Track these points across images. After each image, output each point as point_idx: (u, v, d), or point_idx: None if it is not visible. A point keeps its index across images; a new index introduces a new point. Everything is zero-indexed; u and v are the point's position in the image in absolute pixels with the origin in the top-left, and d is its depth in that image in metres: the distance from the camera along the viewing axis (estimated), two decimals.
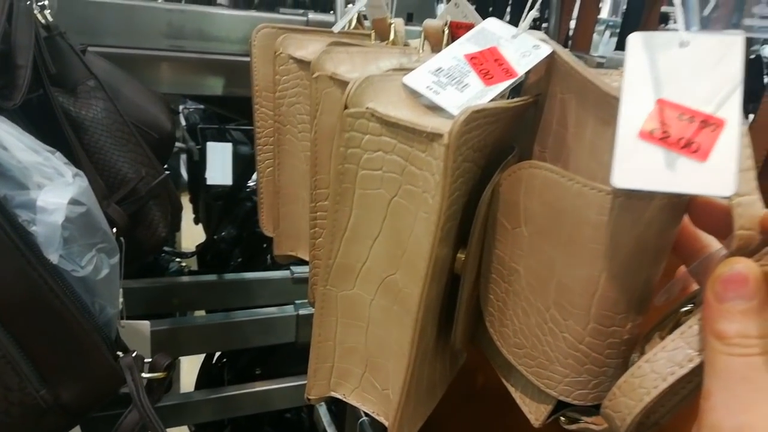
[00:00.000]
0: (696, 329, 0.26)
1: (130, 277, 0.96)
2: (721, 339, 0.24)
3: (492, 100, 0.34)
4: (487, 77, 0.34)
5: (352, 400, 0.42)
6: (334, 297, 0.39)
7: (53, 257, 0.41)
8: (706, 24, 0.26)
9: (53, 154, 0.43)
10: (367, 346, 0.40)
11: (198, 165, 1.37)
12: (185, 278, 1.04)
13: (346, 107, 0.33)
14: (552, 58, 0.36)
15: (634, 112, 0.26)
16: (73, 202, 0.42)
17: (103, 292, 0.45)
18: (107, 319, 0.46)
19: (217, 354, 1.15)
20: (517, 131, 0.39)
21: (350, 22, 0.63)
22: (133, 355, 0.46)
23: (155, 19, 0.67)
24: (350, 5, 0.60)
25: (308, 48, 0.52)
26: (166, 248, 1.07)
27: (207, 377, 1.13)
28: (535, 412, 0.36)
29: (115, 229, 0.53)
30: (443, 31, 0.48)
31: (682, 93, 0.26)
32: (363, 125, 0.33)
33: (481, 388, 0.59)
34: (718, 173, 0.25)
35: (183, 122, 1.74)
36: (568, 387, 0.33)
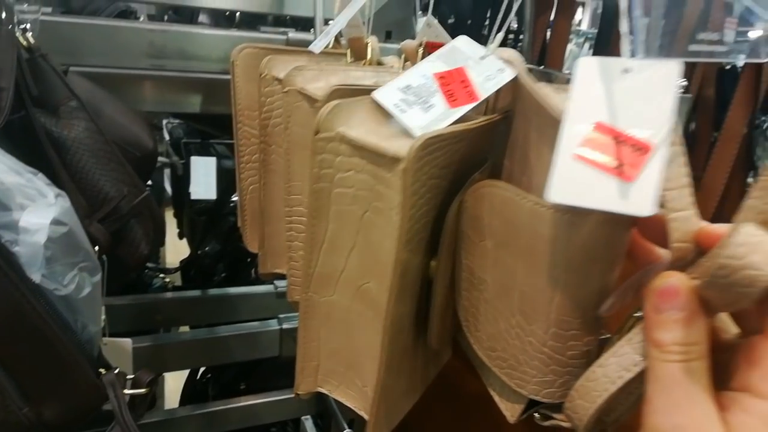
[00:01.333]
0: (641, 336, 0.28)
1: (113, 293, 0.96)
2: (658, 347, 0.26)
3: (456, 121, 0.36)
4: (452, 99, 0.36)
5: (336, 396, 0.45)
6: (316, 302, 0.42)
7: (36, 277, 0.42)
8: (655, 51, 0.27)
9: (35, 175, 0.44)
10: (348, 347, 0.42)
11: (182, 180, 1.38)
12: (168, 294, 1.04)
13: (317, 132, 0.35)
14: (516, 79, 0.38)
15: (574, 134, 0.29)
16: (56, 222, 0.42)
17: (86, 310, 0.45)
18: (90, 336, 0.46)
19: (202, 370, 1.15)
20: (491, 144, 0.41)
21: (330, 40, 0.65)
22: (116, 371, 0.47)
23: (137, 38, 0.68)
24: (330, 22, 0.62)
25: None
26: (149, 264, 1.07)
27: (191, 393, 1.13)
28: (510, 410, 0.38)
29: (97, 248, 0.53)
30: (418, 51, 0.50)
31: (619, 117, 0.28)
32: (334, 148, 0.35)
33: (467, 386, 0.61)
34: (640, 194, 0.27)
35: (166, 137, 1.74)
36: (537, 386, 0.35)
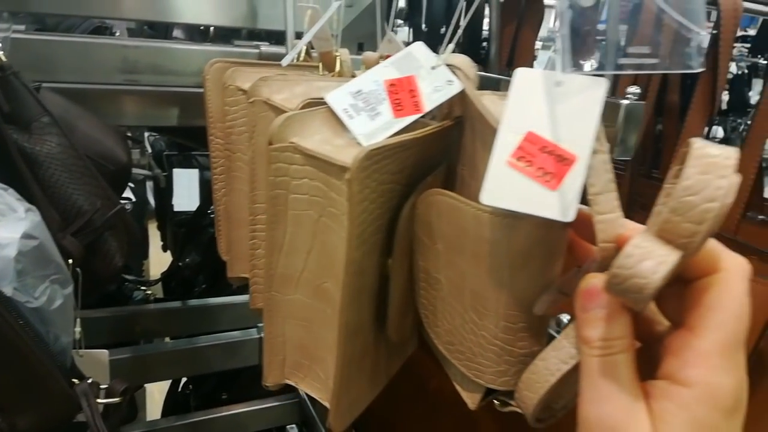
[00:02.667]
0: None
1: (92, 306, 0.96)
2: (586, 343, 0.28)
3: (405, 128, 0.38)
4: (398, 108, 0.38)
5: (302, 387, 0.47)
6: (279, 300, 0.44)
7: (7, 290, 0.43)
8: (586, 65, 0.29)
9: (6, 191, 0.45)
10: (311, 342, 0.45)
11: (165, 192, 1.38)
12: (148, 306, 1.05)
13: (271, 143, 0.36)
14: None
15: (507, 142, 0.31)
16: (26, 236, 0.43)
17: (57, 321, 0.46)
18: (62, 347, 0.47)
19: (183, 381, 1.16)
20: (445, 148, 0.43)
21: (299, 54, 0.67)
22: (89, 381, 0.48)
23: (110, 54, 0.69)
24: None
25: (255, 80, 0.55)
26: (128, 277, 1.07)
27: (173, 404, 1.13)
28: (471, 398, 0.41)
29: (71, 260, 0.55)
30: (379, 62, 0.52)
31: (548, 128, 0.30)
32: (288, 157, 0.37)
33: (435, 378, 0.63)
34: (563, 201, 0.29)
35: (149, 149, 1.74)
36: (493, 376, 0.37)
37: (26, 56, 0.65)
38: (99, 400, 0.48)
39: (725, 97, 3.34)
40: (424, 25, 1.05)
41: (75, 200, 0.57)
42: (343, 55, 0.62)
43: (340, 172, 0.35)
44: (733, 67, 3.34)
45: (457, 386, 0.42)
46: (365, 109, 0.39)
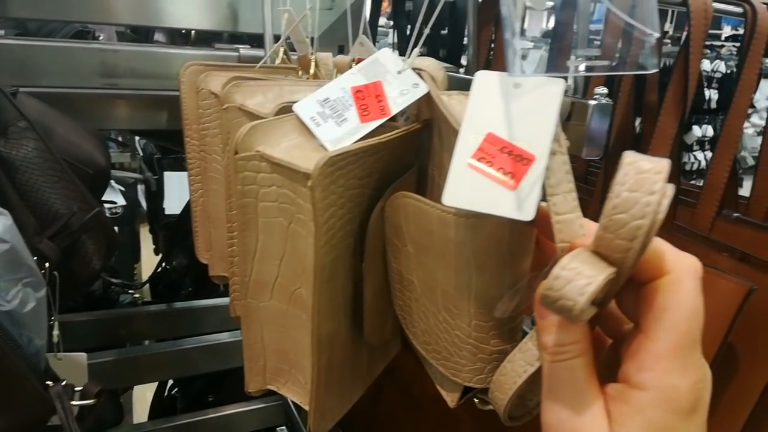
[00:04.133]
0: None
1: (78, 310, 0.97)
2: (544, 349, 0.28)
3: (372, 133, 0.38)
4: (365, 114, 0.38)
5: (284, 393, 0.47)
6: (256, 307, 0.44)
7: None
8: (540, 68, 0.30)
9: None
10: (289, 348, 0.45)
11: (156, 195, 1.39)
12: (134, 309, 1.05)
13: (236, 152, 0.37)
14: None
15: (468, 143, 0.31)
16: None
17: (31, 324, 0.47)
18: (36, 350, 0.48)
19: (169, 383, 1.16)
20: (415, 151, 0.44)
21: (277, 56, 0.67)
22: (63, 383, 0.48)
23: (89, 59, 0.70)
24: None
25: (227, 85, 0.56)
26: (114, 280, 1.08)
27: (159, 408, 1.13)
28: (450, 397, 0.41)
29: (48, 264, 0.55)
30: (350, 66, 0.52)
31: (507, 129, 0.31)
32: (255, 166, 0.38)
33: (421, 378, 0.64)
34: (523, 200, 0.29)
35: (140, 153, 1.74)
36: (469, 374, 0.38)
37: (5, 61, 0.66)
38: (74, 402, 0.49)
39: (714, 95, 3.35)
40: (408, 28, 1.06)
41: (52, 204, 0.57)
42: (326, 58, 0.63)
43: (304, 179, 0.35)
44: (722, 66, 3.36)
45: (438, 385, 0.42)
46: (332, 116, 0.40)
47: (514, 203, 0.30)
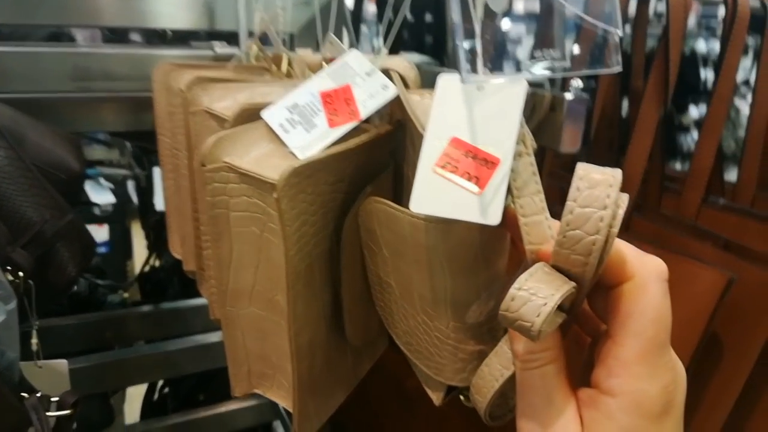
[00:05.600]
0: None
1: (64, 314, 0.96)
2: (516, 357, 0.28)
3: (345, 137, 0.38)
4: (334, 118, 0.38)
5: (270, 396, 0.47)
6: (236, 315, 0.44)
7: None
8: (497, 70, 0.29)
9: None
10: (272, 352, 0.45)
11: (146, 191, 1.38)
12: (120, 311, 1.05)
13: (203, 164, 0.36)
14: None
15: (433, 148, 0.30)
16: None
17: (2, 337, 0.46)
18: (9, 363, 0.47)
19: (160, 384, 1.16)
20: (389, 153, 0.43)
21: (251, 54, 0.66)
22: (38, 395, 0.48)
23: (60, 63, 0.68)
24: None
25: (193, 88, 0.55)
26: (99, 281, 1.07)
27: (150, 409, 1.13)
28: (435, 395, 0.41)
29: (21, 273, 0.54)
30: (321, 65, 0.51)
31: (470, 133, 0.30)
32: (223, 177, 0.37)
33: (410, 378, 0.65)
34: (488, 204, 0.29)
35: (129, 148, 1.73)
36: (451, 373, 0.38)
37: None
38: (50, 414, 0.48)
39: (711, 75, 3.32)
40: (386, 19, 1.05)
41: (23, 212, 0.56)
42: (308, 56, 0.62)
43: (271, 189, 0.35)
44: (717, 46, 3.32)
45: (423, 383, 0.42)
46: (301, 122, 0.39)
47: (479, 208, 0.29)
